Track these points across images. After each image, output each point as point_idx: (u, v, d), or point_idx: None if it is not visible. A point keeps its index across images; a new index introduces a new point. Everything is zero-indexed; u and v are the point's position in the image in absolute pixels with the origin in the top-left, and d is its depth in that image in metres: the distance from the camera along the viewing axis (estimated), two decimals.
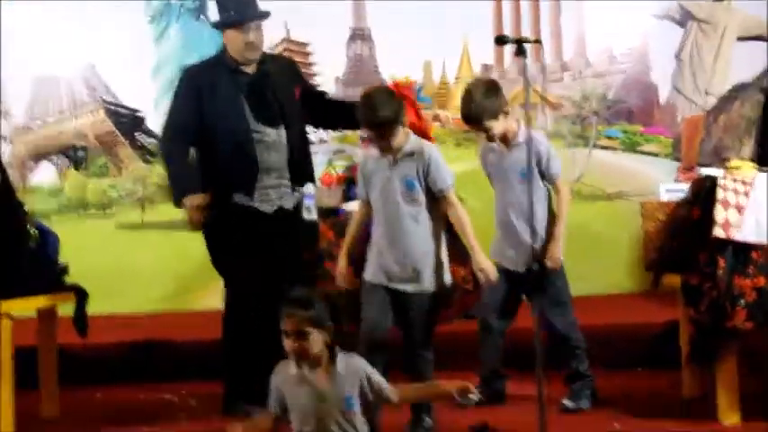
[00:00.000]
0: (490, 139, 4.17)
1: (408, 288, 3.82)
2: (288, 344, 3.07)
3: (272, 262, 4.27)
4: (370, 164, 3.89)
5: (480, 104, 4.06)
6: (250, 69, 4.38)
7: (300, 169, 4.41)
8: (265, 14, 4.42)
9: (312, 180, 4.54)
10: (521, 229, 4.13)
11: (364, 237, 4.02)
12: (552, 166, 4.14)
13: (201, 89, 4.33)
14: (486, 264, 3.83)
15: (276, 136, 4.33)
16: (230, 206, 4.30)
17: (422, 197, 3.77)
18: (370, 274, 3.87)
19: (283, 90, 4.40)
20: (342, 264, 3.91)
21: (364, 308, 3.84)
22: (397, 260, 3.80)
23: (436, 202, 3.83)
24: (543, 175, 4.15)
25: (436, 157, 3.80)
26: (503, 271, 4.17)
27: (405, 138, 3.79)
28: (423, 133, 4.23)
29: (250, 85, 4.36)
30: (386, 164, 3.80)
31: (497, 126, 4.09)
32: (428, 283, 3.83)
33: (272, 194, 4.34)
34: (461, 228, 3.89)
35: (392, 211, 3.79)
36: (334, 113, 4.65)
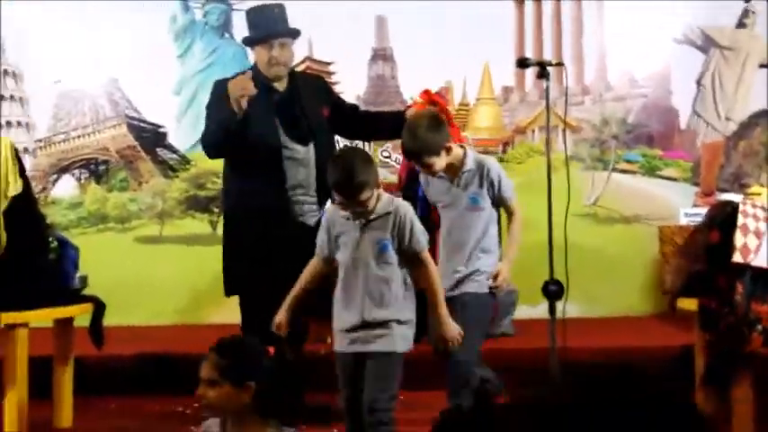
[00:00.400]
0: (431, 174, 3.97)
1: (373, 347, 3.53)
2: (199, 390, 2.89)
3: (286, 275, 4.25)
4: (338, 224, 3.63)
5: (423, 140, 3.84)
6: (281, 86, 4.41)
7: (328, 186, 4.42)
8: (292, 32, 4.46)
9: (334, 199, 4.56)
10: (465, 255, 3.94)
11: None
12: (505, 190, 3.98)
13: (221, 105, 4.31)
14: (453, 333, 3.62)
15: (305, 153, 4.36)
16: (255, 220, 4.30)
17: (395, 258, 3.54)
18: (336, 343, 3.63)
19: (312, 108, 4.42)
20: (282, 316, 3.65)
21: (339, 379, 3.61)
22: (364, 319, 3.53)
23: (409, 261, 3.59)
24: (494, 201, 3.98)
25: (411, 216, 3.58)
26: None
27: (377, 199, 3.57)
28: (456, 140, 4.21)
29: (281, 101, 4.39)
30: (356, 225, 3.57)
31: (438, 162, 3.87)
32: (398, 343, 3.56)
33: (294, 211, 4.36)
34: (433, 291, 3.60)
35: (363, 275, 3.53)
36: (370, 125, 4.69)
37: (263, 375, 2.83)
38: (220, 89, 4.33)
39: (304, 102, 4.41)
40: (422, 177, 4.13)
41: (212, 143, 4.39)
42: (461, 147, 4.05)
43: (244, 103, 4.15)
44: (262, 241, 4.30)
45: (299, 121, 4.38)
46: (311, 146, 4.38)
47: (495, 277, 3.94)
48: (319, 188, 4.36)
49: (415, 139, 3.86)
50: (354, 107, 4.83)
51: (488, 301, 3.98)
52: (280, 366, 2.89)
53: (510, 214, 4.04)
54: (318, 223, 4.34)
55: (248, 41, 4.50)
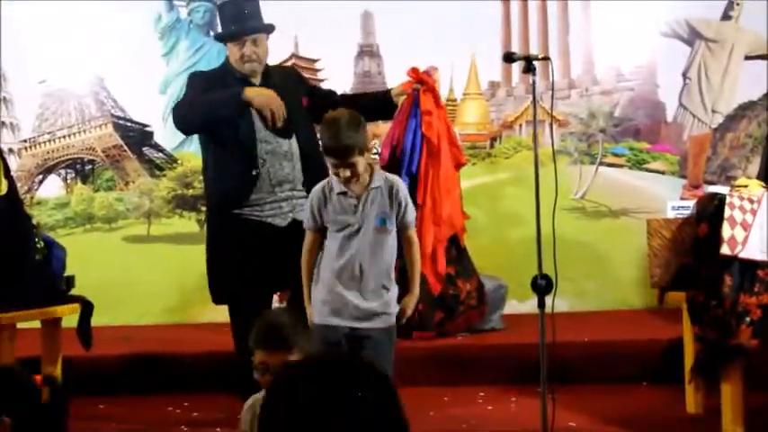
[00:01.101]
0: (350, 178, 3.58)
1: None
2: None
3: (283, 277, 4.20)
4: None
5: (351, 136, 3.53)
6: (256, 81, 4.37)
7: (315, 179, 4.33)
8: (265, 28, 4.40)
9: None
10: (368, 279, 3.63)
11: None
12: (409, 213, 3.71)
13: (202, 88, 4.32)
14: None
15: (288, 146, 4.31)
16: (240, 220, 4.27)
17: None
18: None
19: (290, 100, 4.34)
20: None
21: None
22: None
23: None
24: (397, 223, 3.69)
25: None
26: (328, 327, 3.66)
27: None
28: (443, 121, 4.14)
29: None
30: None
31: (361, 163, 3.56)
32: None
33: (284, 207, 4.31)
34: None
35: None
36: (360, 108, 4.45)
37: (20, 409, 2.41)
38: (199, 80, 4.37)
39: (281, 94, 4.31)
40: (317, 194, 3.70)
41: (196, 120, 4.35)
42: (369, 164, 3.73)
43: (279, 116, 4.18)
44: (247, 243, 4.26)
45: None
46: (294, 139, 4.34)
47: (402, 313, 3.73)
48: (306, 182, 4.31)
49: (338, 136, 3.54)
50: (331, 92, 4.74)
51: (395, 336, 3.76)
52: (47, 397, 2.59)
53: (410, 243, 3.77)
54: None
55: (219, 38, 4.46)
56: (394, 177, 3.72)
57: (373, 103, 4.49)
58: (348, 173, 3.52)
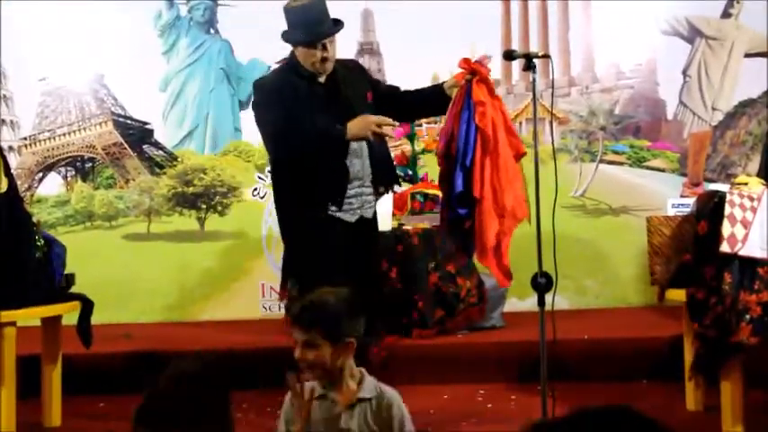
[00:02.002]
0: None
1: None
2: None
3: (349, 273, 4.04)
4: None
5: (321, 318, 2.87)
6: (322, 77, 4.19)
7: (385, 175, 4.30)
8: (336, 30, 4.18)
9: (398, 184, 4.45)
10: None
11: None
12: None
13: (283, 100, 4.12)
14: None
15: (357, 144, 4.16)
16: (321, 218, 4.13)
17: None
18: None
19: (357, 95, 4.22)
20: None
21: None
22: None
23: None
24: None
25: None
26: None
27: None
28: (498, 111, 4.01)
29: (327, 93, 4.18)
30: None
31: (328, 353, 2.86)
32: None
33: (354, 203, 4.18)
34: None
35: None
36: (415, 104, 4.44)
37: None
38: (270, 90, 4.18)
39: (348, 90, 4.18)
40: (287, 405, 2.95)
41: (307, 146, 4.08)
42: (360, 370, 3.00)
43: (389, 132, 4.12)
44: (328, 241, 4.11)
45: (348, 110, 4.14)
46: None
47: None
48: (376, 177, 4.24)
49: (312, 309, 2.90)
50: (394, 87, 4.54)
51: None
52: None
53: None
54: (375, 215, 4.28)
55: (291, 43, 4.20)
56: (392, 393, 2.95)
57: (427, 98, 4.36)
58: None
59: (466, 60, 4.25)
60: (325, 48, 4.11)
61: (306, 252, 4.17)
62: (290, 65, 4.24)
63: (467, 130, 4.14)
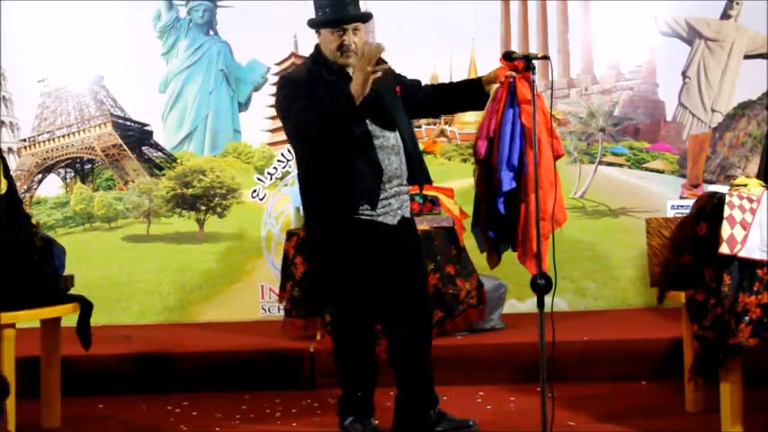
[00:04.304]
0: None
1: None
2: None
3: (396, 277, 3.99)
4: None
5: None
6: (350, 69, 3.97)
7: (420, 171, 4.11)
8: (365, 16, 4.06)
9: (430, 181, 4.17)
10: None
11: None
12: None
13: (310, 95, 3.92)
14: None
15: (394, 140, 4.01)
16: (354, 222, 3.95)
17: None
18: None
19: (386, 89, 4.03)
20: None
21: None
22: None
23: None
24: None
25: None
26: None
27: None
28: (540, 110, 3.85)
29: None
30: None
31: None
32: None
33: (393, 204, 4.02)
34: None
35: None
36: (451, 99, 4.23)
37: None
38: (296, 83, 3.98)
39: (377, 84, 3.88)
40: None
41: (326, 128, 3.87)
42: None
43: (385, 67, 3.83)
44: (365, 247, 3.97)
45: (380, 106, 3.98)
46: (397, 132, 4.03)
47: None
48: (411, 175, 4.08)
49: None
50: (417, 81, 4.30)
51: None
52: None
53: None
54: (412, 213, 4.14)
55: (314, 24, 4.04)
56: None
57: (463, 92, 4.16)
58: None
59: (508, 56, 4.07)
60: (346, 34, 3.95)
61: (343, 265, 3.99)
62: (315, 59, 4.06)
63: (512, 129, 3.99)
